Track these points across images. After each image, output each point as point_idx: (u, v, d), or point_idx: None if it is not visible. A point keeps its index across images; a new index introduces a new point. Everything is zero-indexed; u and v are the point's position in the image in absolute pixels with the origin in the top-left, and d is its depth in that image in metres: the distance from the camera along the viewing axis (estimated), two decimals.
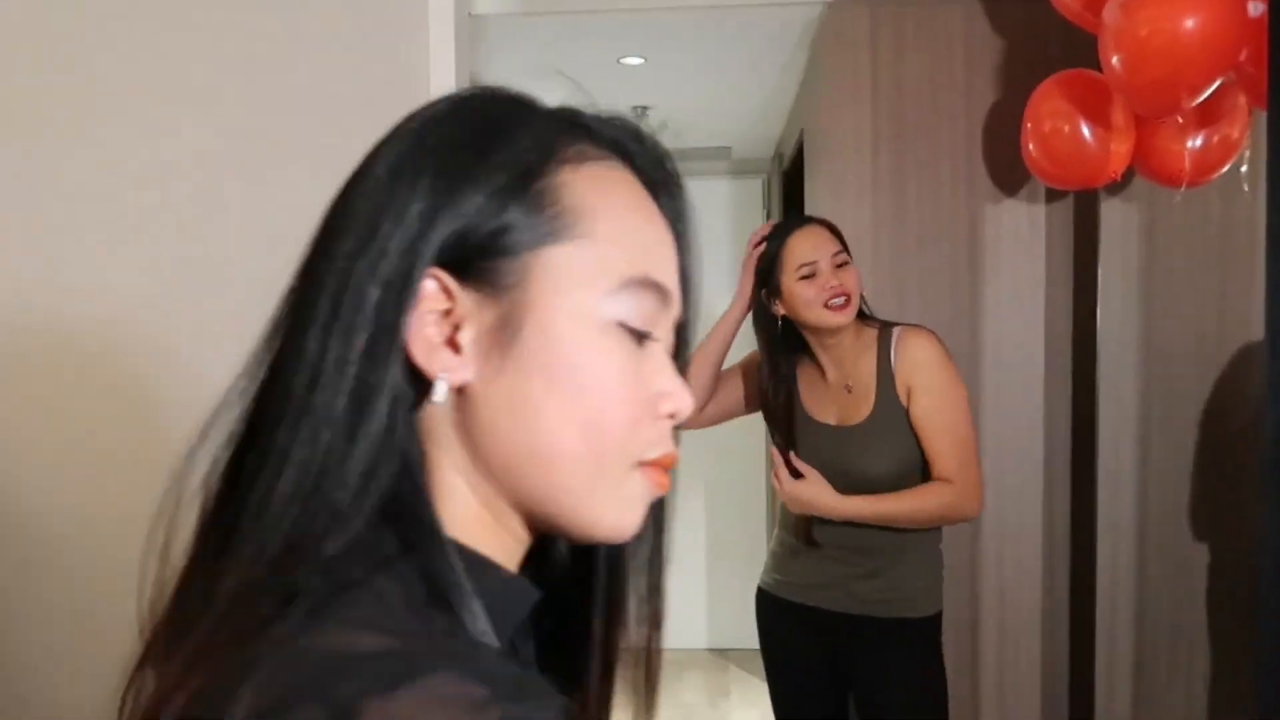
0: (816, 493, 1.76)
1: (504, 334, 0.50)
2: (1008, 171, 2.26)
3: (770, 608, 1.95)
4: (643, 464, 0.53)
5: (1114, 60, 1.66)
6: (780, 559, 1.93)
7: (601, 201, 0.53)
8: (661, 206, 0.57)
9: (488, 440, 0.52)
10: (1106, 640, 2.20)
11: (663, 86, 3.26)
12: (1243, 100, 1.78)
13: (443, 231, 0.50)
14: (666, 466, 0.54)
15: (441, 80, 2.13)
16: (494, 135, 0.52)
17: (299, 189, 2.02)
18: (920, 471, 1.78)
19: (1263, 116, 1.53)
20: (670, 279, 0.55)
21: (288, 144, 1.99)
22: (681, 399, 0.54)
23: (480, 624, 0.47)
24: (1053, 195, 2.26)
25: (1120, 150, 1.92)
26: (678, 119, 3.66)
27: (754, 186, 4.44)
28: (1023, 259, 2.29)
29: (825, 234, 1.81)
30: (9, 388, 2.17)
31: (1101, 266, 2.15)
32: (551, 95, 0.60)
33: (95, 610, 2.20)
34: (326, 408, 0.48)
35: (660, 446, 0.54)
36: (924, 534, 1.81)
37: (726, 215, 4.50)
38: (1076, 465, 2.31)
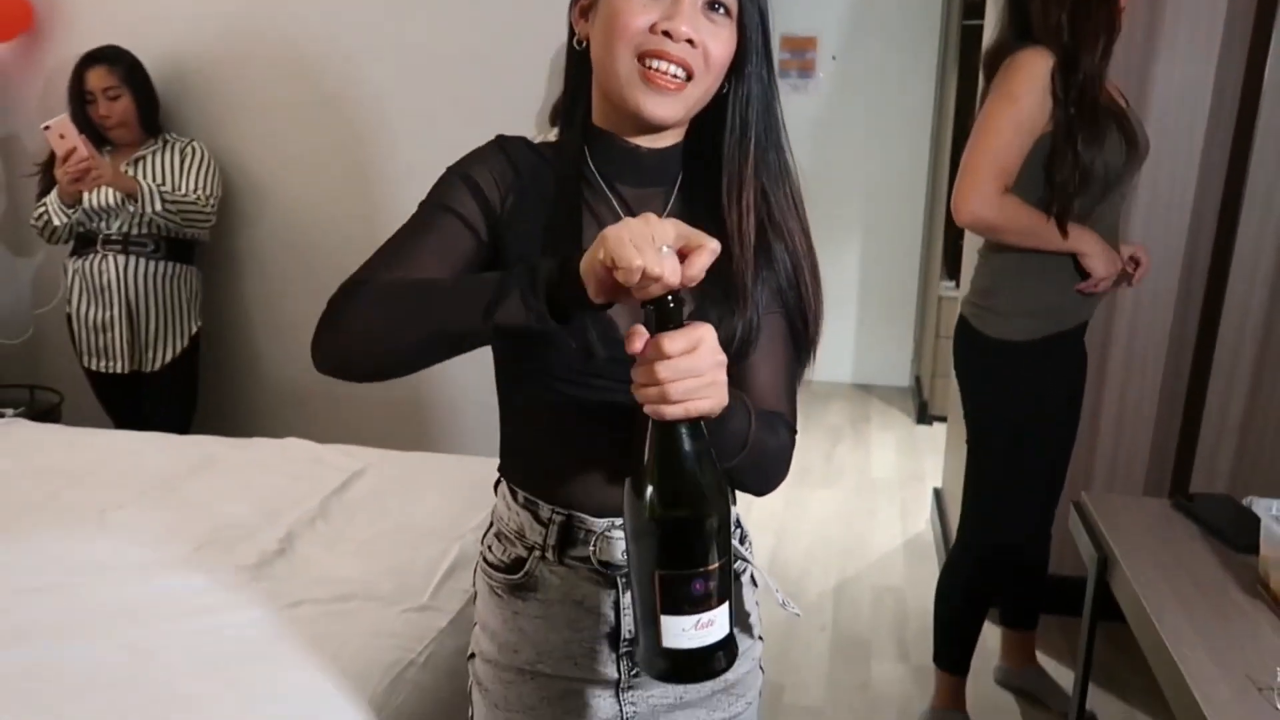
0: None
1: (596, 7, 0.94)
2: None
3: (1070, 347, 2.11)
4: (639, 55, 0.90)
5: None
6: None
7: None
8: None
9: (593, 58, 0.95)
10: (1223, 373, 2.47)
11: None
12: None
13: None
14: (655, 55, 0.90)
15: None
16: None
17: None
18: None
19: None
20: None
21: None
22: (668, 23, 0.89)
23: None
24: None
25: None
26: None
27: None
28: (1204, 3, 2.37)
29: None
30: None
31: None
32: None
33: None
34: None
35: (649, 45, 0.90)
36: None
37: None
38: (1224, 216, 2.48)
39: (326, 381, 0.95)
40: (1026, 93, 1.86)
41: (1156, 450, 2.67)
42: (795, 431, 0.99)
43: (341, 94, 2.94)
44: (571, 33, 1.00)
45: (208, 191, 2.87)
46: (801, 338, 1.01)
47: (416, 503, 1.84)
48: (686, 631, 0.79)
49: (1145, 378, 2.63)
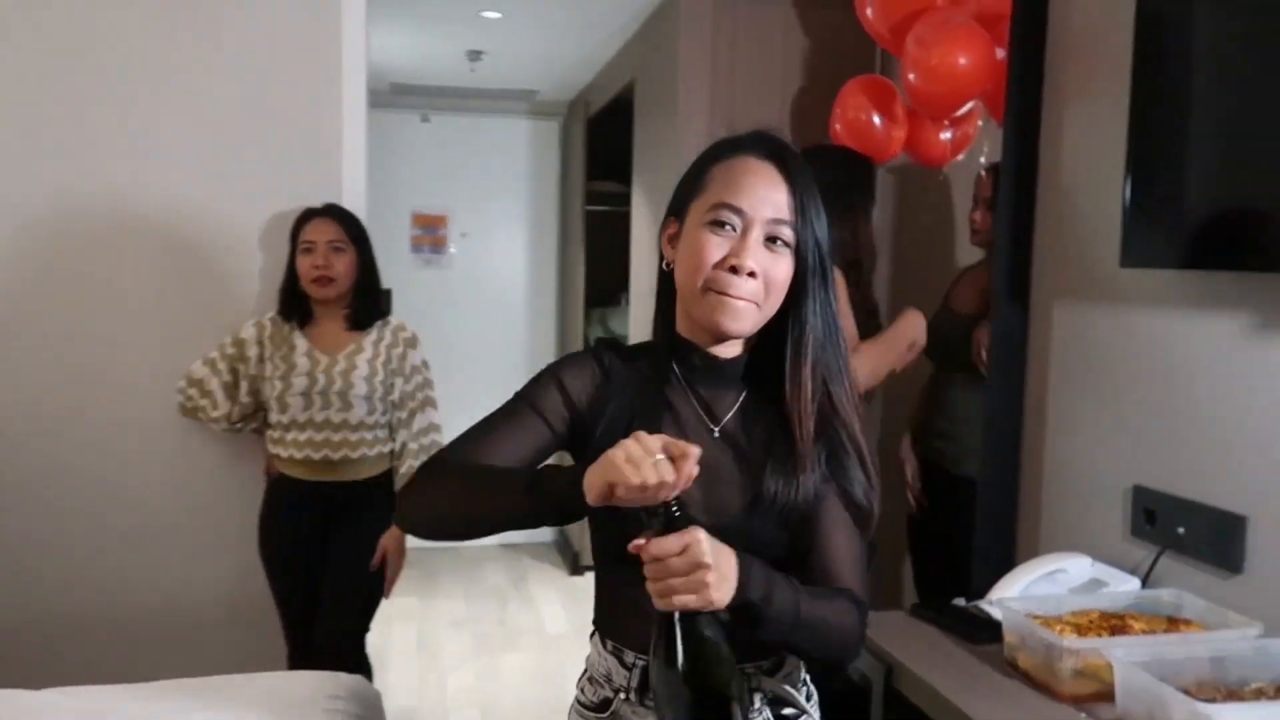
0: None
1: (679, 238, 1.14)
2: (811, 143, 2.96)
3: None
4: (708, 289, 1.08)
5: (911, 76, 2.36)
6: None
7: (720, 174, 1.11)
8: (779, 165, 1.11)
9: (677, 281, 1.14)
10: None
11: (508, 38, 3.67)
12: (980, 109, 2.55)
13: (675, 205, 1.17)
14: (722, 292, 1.07)
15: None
16: (697, 165, 1.17)
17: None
18: None
19: (989, 120, 2.31)
20: (749, 202, 1.08)
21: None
22: (735, 259, 1.06)
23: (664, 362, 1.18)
24: None
25: (899, 136, 2.65)
26: (506, 65, 4.06)
27: (552, 127, 4.93)
28: None
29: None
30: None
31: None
32: None
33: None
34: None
35: (718, 284, 1.07)
36: None
37: (525, 149, 4.99)
38: None
39: None
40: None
41: None
42: (862, 603, 1.09)
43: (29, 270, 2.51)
44: (661, 255, 1.18)
45: None
46: (860, 516, 1.13)
47: None
48: None
49: None
